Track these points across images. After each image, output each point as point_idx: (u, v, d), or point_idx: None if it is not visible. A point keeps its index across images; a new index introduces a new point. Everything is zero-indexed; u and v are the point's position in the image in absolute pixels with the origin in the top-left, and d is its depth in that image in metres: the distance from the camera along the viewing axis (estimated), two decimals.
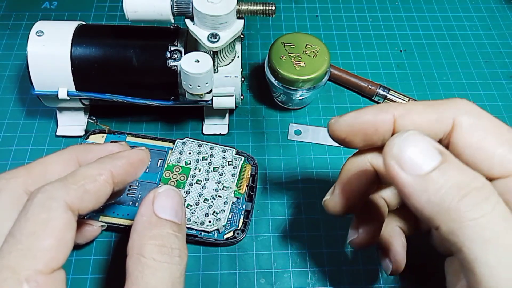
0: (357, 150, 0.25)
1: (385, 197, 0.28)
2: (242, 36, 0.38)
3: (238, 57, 0.37)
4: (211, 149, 0.37)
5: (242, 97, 0.39)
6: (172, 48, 0.35)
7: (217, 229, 0.34)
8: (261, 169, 0.39)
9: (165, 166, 0.36)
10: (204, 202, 0.34)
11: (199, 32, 0.33)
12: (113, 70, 0.35)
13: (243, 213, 0.35)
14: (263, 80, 0.42)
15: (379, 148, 0.24)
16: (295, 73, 0.37)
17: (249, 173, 0.37)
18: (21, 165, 0.25)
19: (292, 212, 0.37)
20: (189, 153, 0.37)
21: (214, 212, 0.34)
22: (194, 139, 0.38)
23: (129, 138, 0.38)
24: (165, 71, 0.35)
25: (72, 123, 0.40)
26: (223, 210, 0.34)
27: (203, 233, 0.34)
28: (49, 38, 0.34)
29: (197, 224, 0.33)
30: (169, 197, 0.23)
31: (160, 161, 0.37)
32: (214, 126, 0.41)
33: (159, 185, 0.34)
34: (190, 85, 0.33)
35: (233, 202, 0.35)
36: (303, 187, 0.38)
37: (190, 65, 0.32)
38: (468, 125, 0.21)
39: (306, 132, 0.41)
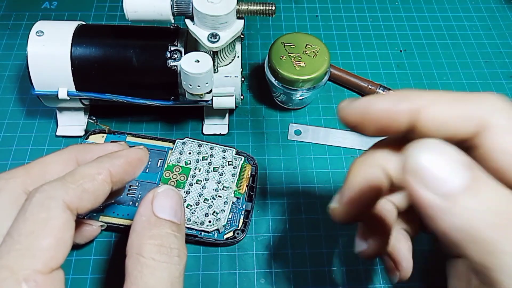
0: (363, 152, 0.23)
1: (394, 200, 0.25)
2: (242, 36, 0.38)
3: (238, 57, 0.37)
4: (211, 149, 0.37)
5: (242, 97, 0.39)
6: (172, 48, 0.35)
7: (217, 229, 0.34)
8: (261, 169, 0.39)
9: (165, 166, 0.36)
10: (204, 202, 0.34)
11: (199, 32, 0.33)
12: (113, 70, 0.35)
13: (243, 213, 0.35)
14: (263, 80, 0.42)
15: (393, 145, 0.22)
16: (295, 73, 0.37)
17: (249, 173, 0.37)
18: (20, 165, 0.25)
19: (292, 212, 0.37)
20: (189, 153, 0.37)
21: (214, 212, 0.34)
22: (194, 139, 0.38)
23: (129, 138, 0.38)
24: (165, 71, 0.35)
25: (72, 123, 0.40)
26: (223, 210, 0.34)
27: (203, 233, 0.34)
28: (49, 38, 0.34)
29: (197, 224, 0.33)
30: (168, 197, 0.23)
31: (160, 161, 0.37)
32: (214, 126, 0.41)
33: (159, 185, 0.34)
34: (190, 85, 0.33)
35: (233, 202, 0.35)
36: (303, 187, 0.38)
37: (190, 65, 0.32)
38: (500, 126, 0.18)
39: (306, 132, 0.41)
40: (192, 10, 0.32)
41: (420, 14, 0.52)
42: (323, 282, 0.34)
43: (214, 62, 0.34)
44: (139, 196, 0.35)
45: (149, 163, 0.37)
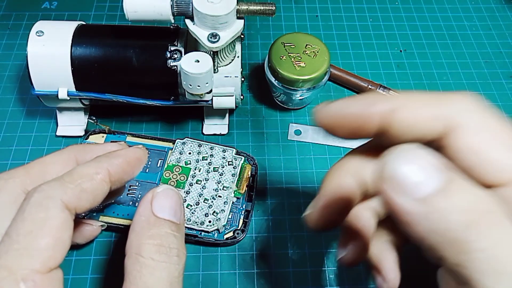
0: (339, 160, 0.23)
1: (372, 208, 0.25)
2: (242, 36, 0.38)
3: (238, 57, 0.37)
4: (211, 149, 0.37)
5: (242, 97, 0.39)
6: (172, 48, 0.35)
7: (217, 229, 0.34)
8: (261, 169, 0.39)
9: (165, 166, 0.36)
10: (204, 202, 0.34)
11: (199, 32, 0.33)
12: (113, 70, 0.35)
13: (243, 213, 0.35)
14: (263, 80, 0.42)
15: (368, 153, 0.22)
16: (295, 73, 0.37)
17: (249, 173, 0.37)
18: (20, 165, 0.25)
19: (292, 212, 0.37)
20: (189, 153, 0.37)
21: (214, 212, 0.34)
22: (194, 139, 0.38)
23: (129, 138, 0.38)
24: (165, 71, 0.35)
25: (72, 123, 0.40)
26: (223, 210, 0.34)
27: (203, 233, 0.34)
28: (49, 38, 0.34)
29: (197, 224, 0.33)
30: (168, 196, 0.23)
31: (160, 161, 0.37)
32: (214, 126, 0.41)
33: (159, 185, 0.34)
34: (190, 85, 0.33)
35: (233, 202, 0.35)
36: (303, 187, 0.38)
37: (190, 65, 0.32)
38: (468, 126, 0.18)
39: (306, 132, 0.41)
40: (192, 10, 0.32)
41: (420, 14, 0.52)
42: (323, 282, 0.34)
43: (214, 62, 0.34)
44: (139, 196, 0.35)
45: (149, 163, 0.37)
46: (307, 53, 0.39)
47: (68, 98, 0.35)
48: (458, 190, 0.15)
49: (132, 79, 0.36)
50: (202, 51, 0.33)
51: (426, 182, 0.15)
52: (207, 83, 0.33)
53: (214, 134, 0.41)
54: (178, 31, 0.36)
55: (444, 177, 0.15)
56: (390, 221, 0.26)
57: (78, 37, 0.35)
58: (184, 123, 0.41)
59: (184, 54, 0.35)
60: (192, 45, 0.36)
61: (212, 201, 0.34)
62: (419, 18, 0.52)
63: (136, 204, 0.34)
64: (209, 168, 0.36)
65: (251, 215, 0.35)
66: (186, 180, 0.35)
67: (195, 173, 0.36)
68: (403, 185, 0.15)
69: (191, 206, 0.34)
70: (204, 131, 0.41)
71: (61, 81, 0.35)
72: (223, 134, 0.41)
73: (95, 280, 0.33)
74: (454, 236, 0.15)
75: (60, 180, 0.22)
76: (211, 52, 0.33)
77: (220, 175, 0.36)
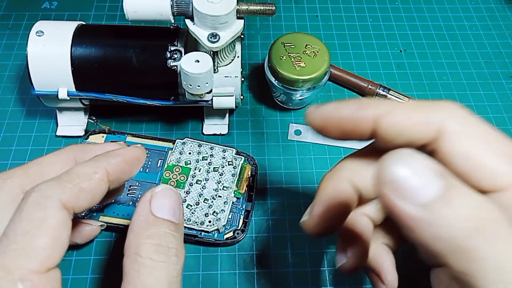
0: (334, 165, 0.24)
1: (368, 213, 0.25)
2: (242, 36, 0.38)
3: (238, 57, 0.37)
4: (211, 149, 0.37)
5: (242, 97, 0.39)
6: (172, 48, 0.35)
7: (217, 229, 0.34)
8: (261, 169, 0.38)
9: (165, 166, 0.36)
10: (204, 202, 0.34)
11: (199, 32, 0.33)
12: (113, 70, 0.35)
13: (243, 213, 0.35)
14: (263, 80, 0.42)
15: (363, 158, 0.22)
16: (295, 73, 0.37)
17: (249, 173, 0.37)
18: (19, 165, 0.25)
19: (292, 212, 0.37)
20: (189, 153, 0.37)
21: (214, 212, 0.34)
22: (194, 139, 0.38)
23: (129, 138, 0.38)
24: (165, 71, 0.35)
25: (72, 123, 0.40)
26: (223, 210, 0.34)
27: (203, 233, 0.34)
28: (49, 38, 0.34)
29: (197, 224, 0.33)
30: (167, 196, 0.23)
31: (160, 161, 0.37)
32: (214, 126, 0.41)
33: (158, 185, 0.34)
34: (190, 85, 0.33)
35: (233, 202, 0.35)
36: (303, 187, 0.38)
37: (190, 65, 0.32)
38: (456, 131, 0.19)
39: (306, 132, 0.41)
40: (192, 10, 0.32)
41: (420, 14, 0.52)
42: (323, 282, 0.34)
43: (214, 62, 0.34)
44: (139, 196, 0.35)
45: (149, 163, 0.37)
46: (307, 53, 0.39)
47: (68, 98, 0.35)
48: (459, 196, 0.15)
49: (132, 79, 0.36)
50: (202, 51, 0.33)
51: (427, 187, 0.15)
52: (207, 83, 0.33)
53: (214, 134, 0.41)
54: (178, 31, 0.36)
55: (444, 183, 0.15)
56: (385, 224, 0.26)
57: (78, 37, 0.35)
58: (184, 123, 0.41)
59: (184, 54, 0.35)
60: (192, 45, 0.36)
61: (212, 201, 0.34)
62: (419, 18, 0.52)
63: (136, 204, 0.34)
64: (209, 168, 0.36)
65: (251, 215, 0.35)
66: (186, 180, 0.35)
67: (195, 173, 0.36)
68: (404, 189, 0.15)
69: (191, 206, 0.34)
70: (204, 131, 0.41)
71: (61, 81, 0.35)
72: (223, 134, 0.41)
73: (95, 280, 0.33)
74: (458, 243, 0.15)
75: (58, 179, 0.22)
76: (211, 52, 0.33)
77: (220, 175, 0.36)
